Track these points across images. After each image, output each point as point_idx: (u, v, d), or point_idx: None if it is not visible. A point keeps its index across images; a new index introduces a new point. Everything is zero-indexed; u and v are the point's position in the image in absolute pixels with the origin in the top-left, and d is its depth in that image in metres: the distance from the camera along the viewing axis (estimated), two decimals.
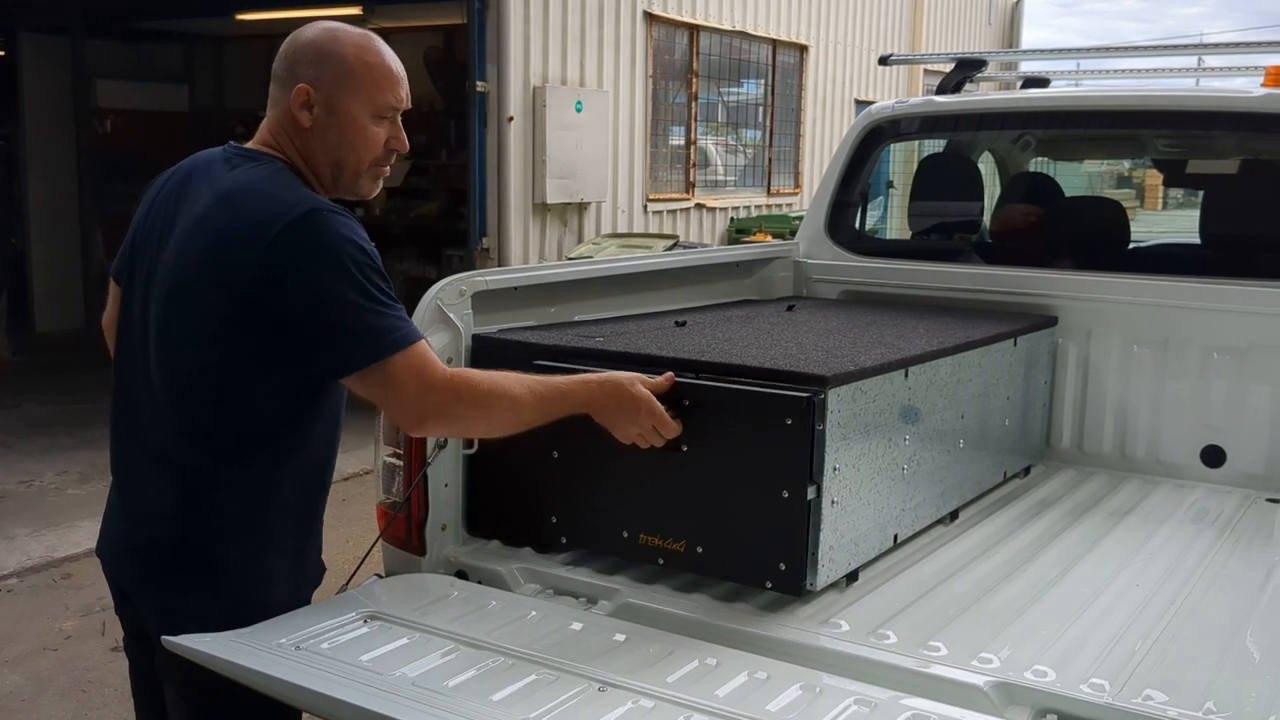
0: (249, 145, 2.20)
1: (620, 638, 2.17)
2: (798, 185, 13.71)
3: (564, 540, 2.66)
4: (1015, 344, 3.31)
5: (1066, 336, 3.62)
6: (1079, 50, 4.38)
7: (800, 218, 12.19)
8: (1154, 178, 16.03)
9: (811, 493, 2.31)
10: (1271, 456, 3.34)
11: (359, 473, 6.37)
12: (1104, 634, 2.25)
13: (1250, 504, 3.23)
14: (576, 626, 2.22)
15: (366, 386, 2.06)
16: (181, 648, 1.99)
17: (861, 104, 14.78)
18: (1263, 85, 3.84)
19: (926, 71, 15.76)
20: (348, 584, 2.54)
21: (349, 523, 5.10)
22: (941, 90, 4.27)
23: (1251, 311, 3.35)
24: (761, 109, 13.11)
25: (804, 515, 2.30)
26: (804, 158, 13.78)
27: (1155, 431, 3.52)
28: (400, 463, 2.67)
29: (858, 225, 4.19)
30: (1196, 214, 3.84)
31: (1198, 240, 3.76)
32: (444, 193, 10.72)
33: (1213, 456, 3.44)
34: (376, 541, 2.65)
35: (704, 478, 2.42)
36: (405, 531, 2.66)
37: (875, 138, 4.10)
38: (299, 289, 1.98)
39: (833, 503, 2.36)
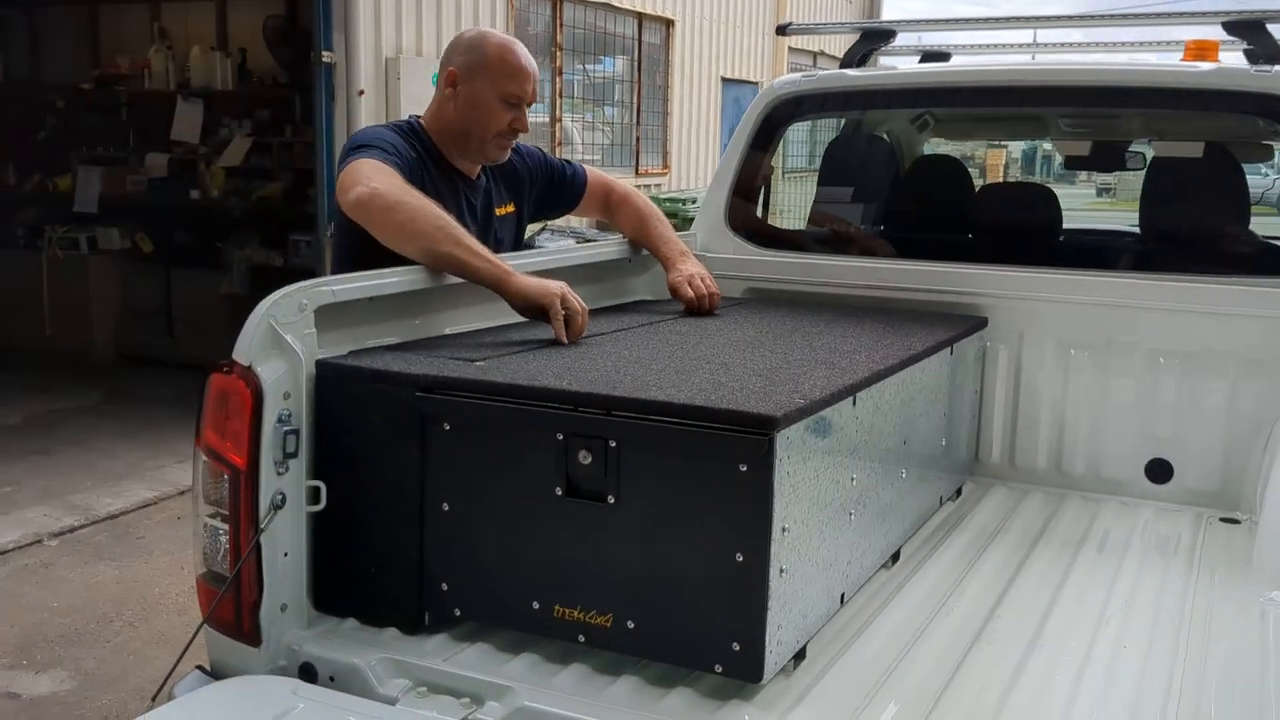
0: None
1: None
2: (666, 165, 13.28)
3: (457, 613, 2.13)
4: (951, 352, 2.91)
5: (996, 339, 3.24)
6: (986, 20, 3.98)
7: (670, 200, 11.71)
8: (995, 158, 15.90)
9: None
10: (1224, 472, 3.03)
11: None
12: None
13: (1206, 525, 2.91)
14: None
15: None
16: None
17: (729, 82, 14.44)
18: (1183, 60, 3.52)
19: (792, 49, 15.53)
20: (163, 686, 1.98)
21: (185, 545, 4.44)
22: (847, 63, 3.84)
23: (1202, 311, 3.02)
24: (628, 85, 12.62)
25: (763, 582, 1.84)
26: (672, 137, 13.35)
27: (1096, 444, 3.17)
28: (225, 526, 2.09)
29: (761, 214, 3.73)
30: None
31: (1138, 230, 3.42)
32: (289, 173, 9.86)
33: (1158, 471, 3.11)
34: (199, 630, 2.07)
35: (637, 538, 1.93)
36: (234, 615, 2.08)
37: (779, 116, 3.64)
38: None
39: (781, 571, 1.89)
